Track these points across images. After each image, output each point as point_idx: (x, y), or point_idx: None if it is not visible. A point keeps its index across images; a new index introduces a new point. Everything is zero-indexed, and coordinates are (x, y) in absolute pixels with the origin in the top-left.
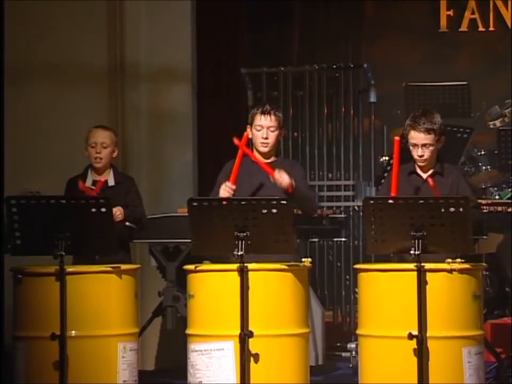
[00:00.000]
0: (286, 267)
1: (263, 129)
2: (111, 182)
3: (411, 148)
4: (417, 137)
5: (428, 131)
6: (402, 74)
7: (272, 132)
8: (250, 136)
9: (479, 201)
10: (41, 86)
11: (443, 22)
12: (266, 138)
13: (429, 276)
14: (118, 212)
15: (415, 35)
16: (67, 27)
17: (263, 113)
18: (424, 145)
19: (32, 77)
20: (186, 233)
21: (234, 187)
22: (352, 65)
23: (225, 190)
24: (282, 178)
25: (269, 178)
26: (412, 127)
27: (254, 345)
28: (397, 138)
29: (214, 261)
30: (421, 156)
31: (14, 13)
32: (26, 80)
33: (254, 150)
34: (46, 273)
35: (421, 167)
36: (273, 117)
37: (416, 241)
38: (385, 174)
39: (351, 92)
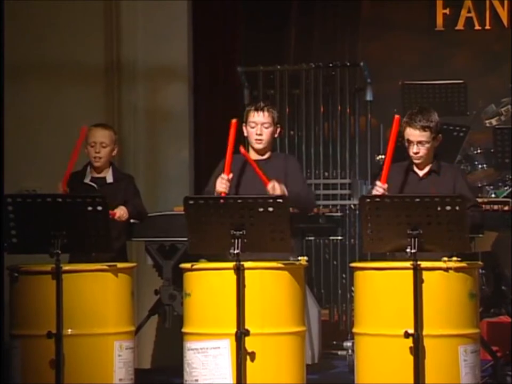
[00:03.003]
0: (282, 265)
1: (257, 126)
2: (110, 180)
3: (407, 144)
4: (412, 134)
5: (423, 128)
6: (399, 73)
7: (266, 128)
8: (245, 134)
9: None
10: (38, 85)
11: (439, 20)
12: (260, 134)
13: (425, 274)
14: (122, 212)
15: (412, 34)
16: (64, 26)
17: (256, 109)
18: (419, 142)
19: (29, 76)
20: (182, 231)
21: (230, 177)
22: (348, 64)
23: (222, 182)
24: (275, 190)
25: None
26: (408, 124)
27: (250, 344)
28: (397, 116)
29: (210, 259)
30: (416, 153)
31: (11, 13)
32: (23, 79)
33: (249, 148)
34: (42, 271)
35: (417, 165)
36: (266, 113)
37: (413, 239)
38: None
39: (347, 91)
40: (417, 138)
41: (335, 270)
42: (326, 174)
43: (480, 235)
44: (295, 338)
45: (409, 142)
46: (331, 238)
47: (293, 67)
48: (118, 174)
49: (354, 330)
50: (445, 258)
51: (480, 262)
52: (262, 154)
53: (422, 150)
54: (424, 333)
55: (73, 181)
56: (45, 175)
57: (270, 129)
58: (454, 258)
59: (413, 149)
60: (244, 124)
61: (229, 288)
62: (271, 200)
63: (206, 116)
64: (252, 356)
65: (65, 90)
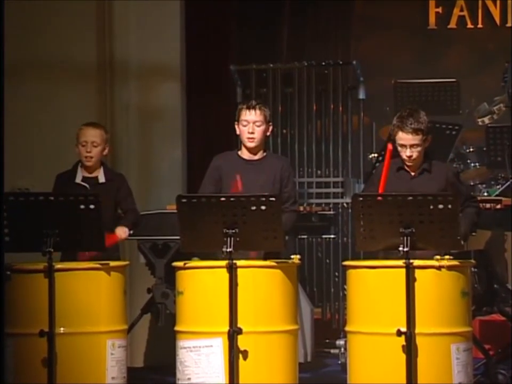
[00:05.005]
0: (275, 264)
1: (249, 124)
2: (102, 180)
3: (399, 148)
4: (405, 138)
5: (415, 131)
6: (391, 71)
7: (258, 126)
8: (238, 132)
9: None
10: (31, 84)
11: (432, 19)
12: (252, 133)
13: (417, 272)
14: (122, 231)
15: (404, 32)
16: (57, 26)
17: (248, 108)
18: (412, 145)
19: (22, 75)
20: (175, 230)
21: None
22: (341, 62)
23: None
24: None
25: (258, 175)
26: (399, 128)
27: (242, 342)
28: (390, 147)
29: (203, 258)
30: (409, 157)
31: (6, 12)
32: (16, 78)
33: (242, 146)
34: (35, 270)
35: (409, 166)
36: (258, 112)
37: (405, 238)
38: (373, 171)
39: (340, 89)
40: (410, 142)
41: (328, 269)
42: (319, 172)
43: (473, 233)
44: (287, 337)
45: (402, 145)
46: (324, 236)
47: (285, 65)
48: (109, 174)
49: (346, 328)
50: (438, 257)
51: (472, 261)
52: (255, 154)
53: (415, 153)
54: (417, 331)
55: (64, 180)
56: (38, 174)
57: (262, 127)
58: (447, 257)
59: (406, 153)
60: (236, 123)
61: (221, 287)
62: (263, 199)
63: (199, 114)
64: (245, 354)
65: (58, 89)
